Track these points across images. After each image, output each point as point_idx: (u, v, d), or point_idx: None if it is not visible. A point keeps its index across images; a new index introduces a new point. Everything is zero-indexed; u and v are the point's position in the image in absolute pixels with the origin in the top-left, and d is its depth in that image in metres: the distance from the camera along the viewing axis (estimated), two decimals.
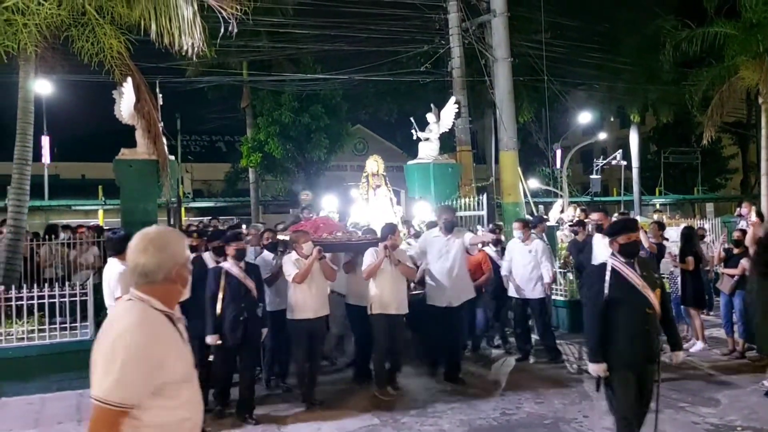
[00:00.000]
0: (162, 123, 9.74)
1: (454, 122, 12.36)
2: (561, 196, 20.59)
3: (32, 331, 7.31)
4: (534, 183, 24.48)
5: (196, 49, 7.53)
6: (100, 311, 6.99)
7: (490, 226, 10.05)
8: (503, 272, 8.07)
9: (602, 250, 6.41)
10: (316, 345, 6.19)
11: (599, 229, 7.28)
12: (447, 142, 13.91)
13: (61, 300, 7.49)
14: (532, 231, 8.08)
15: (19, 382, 6.90)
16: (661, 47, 16.19)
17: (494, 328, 8.61)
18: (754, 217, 10.32)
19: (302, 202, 10.56)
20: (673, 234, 9.55)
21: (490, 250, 8.47)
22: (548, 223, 11.24)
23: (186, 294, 2.22)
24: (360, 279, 6.60)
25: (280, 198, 26.32)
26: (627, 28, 20.23)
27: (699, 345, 7.93)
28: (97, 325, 6.98)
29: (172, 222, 11.02)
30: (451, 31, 13.85)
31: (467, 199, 11.48)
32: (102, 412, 1.93)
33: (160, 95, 10.55)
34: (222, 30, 7.44)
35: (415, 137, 11.90)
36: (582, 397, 6.16)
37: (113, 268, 4.99)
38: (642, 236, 6.43)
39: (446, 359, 6.99)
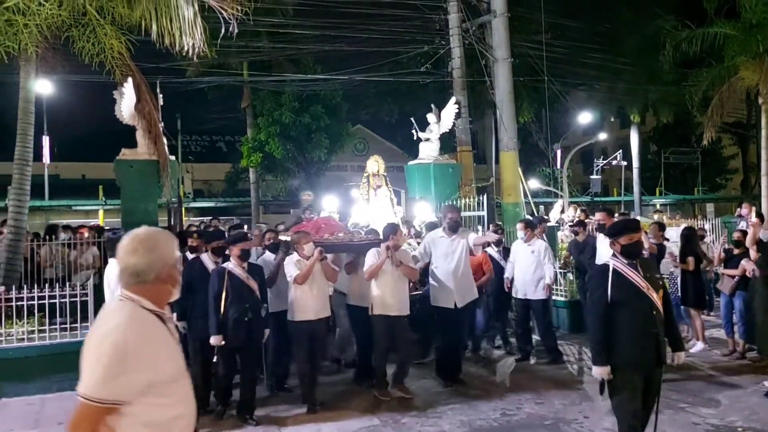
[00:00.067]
0: (162, 123, 9.75)
1: (454, 122, 12.39)
2: (561, 197, 20.59)
3: (32, 332, 7.28)
4: (534, 183, 24.44)
5: (196, 49, 7.52)
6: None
7: (492, 226, 10.04)
8: (506, 275, 8.08)
9: (606, 250, 6.40)
10: (316, 346, 6.16)
11: (602, 229, 7.27)
12: (447, 142, 13.93)
13: (62, 300, 7.46)
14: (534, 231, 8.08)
15: (19, 383, 6.89)
16: (661, 48, 16.21)
17: (495, 329, 8.61)
18: (754, 218, 10.30)
19: (304, 202, 10.57)
20: (674, 234, 9.54)
21: (492, 250, 8.47)
22: (548, 224, 11.25)
23: (176, 294, 2.24)
24: (362, 280, 6.57)
25: (281, 198, 26.31)
26: (627, 28, 20.22)
27: (699, 345, 7.93)
28: None
29: (172, 222, 10.99)
30: (452, 32, 13.85)
31: (467, 200, 11.46)
32: (84, 408, 1.96)
33: (161, 95, 10.55)
34: (222, 30, 7.43)
35: (415, 137, 11.91)
36: (582, 397, 6.17)
37: (114, 268, 4.97)
38: (642, 237, 6.42)
39: (447, 360, 6.95)
